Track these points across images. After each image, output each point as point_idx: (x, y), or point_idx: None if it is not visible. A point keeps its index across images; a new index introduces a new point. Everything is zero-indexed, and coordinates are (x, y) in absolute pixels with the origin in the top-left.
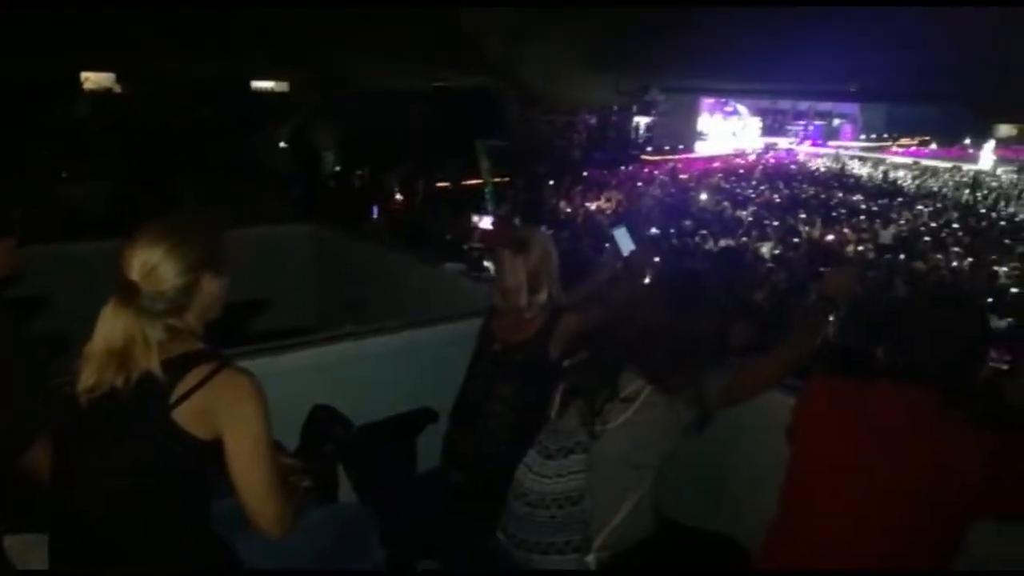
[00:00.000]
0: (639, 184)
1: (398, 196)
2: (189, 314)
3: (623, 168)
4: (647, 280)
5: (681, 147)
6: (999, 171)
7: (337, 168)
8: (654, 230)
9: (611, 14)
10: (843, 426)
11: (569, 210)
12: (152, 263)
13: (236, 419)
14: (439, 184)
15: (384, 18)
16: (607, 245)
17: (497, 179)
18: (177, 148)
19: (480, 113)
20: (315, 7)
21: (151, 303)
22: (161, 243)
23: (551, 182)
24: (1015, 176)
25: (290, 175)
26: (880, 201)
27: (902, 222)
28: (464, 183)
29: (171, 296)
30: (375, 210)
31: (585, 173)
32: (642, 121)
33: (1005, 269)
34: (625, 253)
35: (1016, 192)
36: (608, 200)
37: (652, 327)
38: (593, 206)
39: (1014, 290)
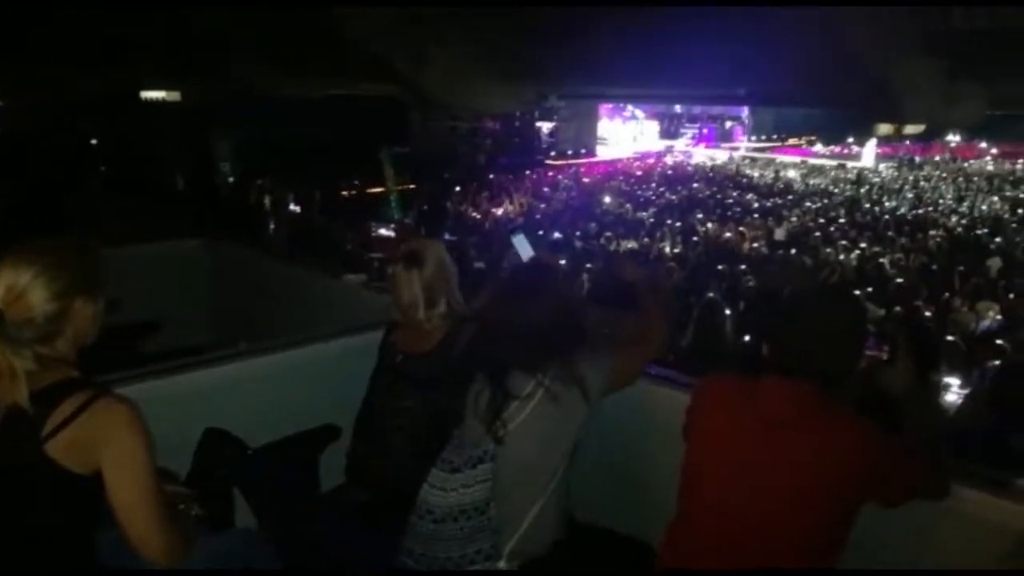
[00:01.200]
0: (544, 189)
1: (295, 207)
2: (60, 341)
3: (528, 173)
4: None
5: (584, 151)
6: (880, 167)
7: (233, 179)
8: (557, 234)
9: (509, 24)
10: (733, 422)
11: (477, 216)
12: (19, 289)
13: (114, 450)
14: (343, 192)
15: (282, 26)
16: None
17: (401, 186)
18: (63, 163)
19: (382, 120)
20: (207, 14)
21: (18, 331)
22: (29, 268)
23: (457, 188)
24: (895, 172)
25: (184, 188)
26: (772, 199)
27: (793, 219)
28: (369, 191)
29: (40, 323)
30: (272, 222)
31: (492, 177)
32: (545, 127)
33: (889, 260)
34: (525, 259)
35: (896, 187)
36: (515, 205)
37: (501, 324)
38: (500, 211)
39: (899, 280)
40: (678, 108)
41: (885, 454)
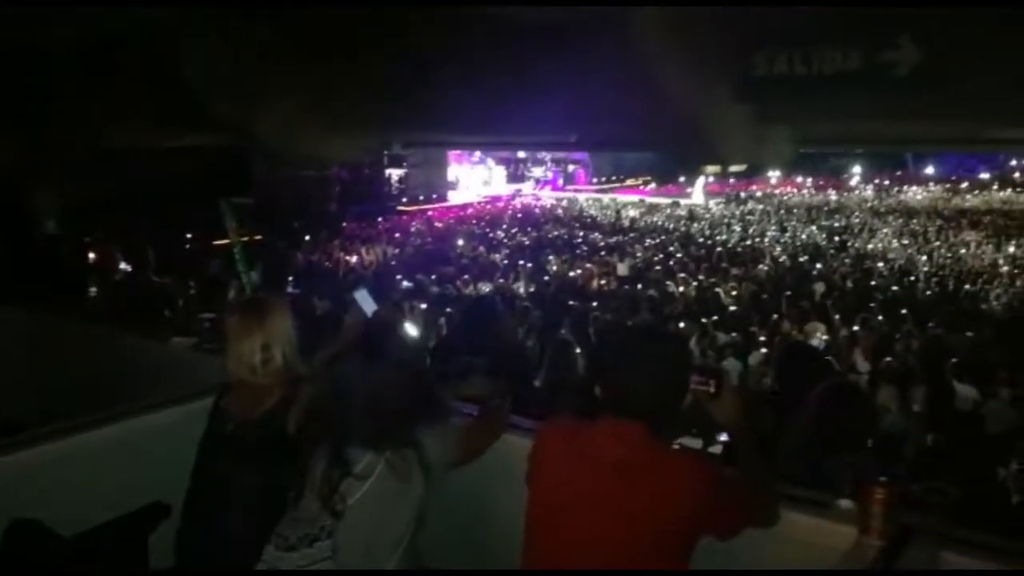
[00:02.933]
0: (398, 235)
1: (124, 265)
2: None
3: (381, 220)
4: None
5: (435, 197)
6: (711, 203)
7: (53, 238)
8: (407, 283)
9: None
10: (569, 466)
11: (329, 265)
12: None
13: None
14: (187, 245)
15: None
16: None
17: (246, 238)
18: None
19: (222, 171)
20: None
21: None
22: None
23: (307, 237)
24: (723, 207)
25: None
26: (616, 237)
27: (637, 255)
28: (212, 244)
29: None
30: (95, 283)
31: (344, 225)
32: (395, 173)
33: (723, 289)
34: (368, 313)
35: (725, 221)
36: (368, 253)
37: (343, 391)
38: (354, 259)
39: (733, 308)
40: (522, 154)
41: (715, 489)
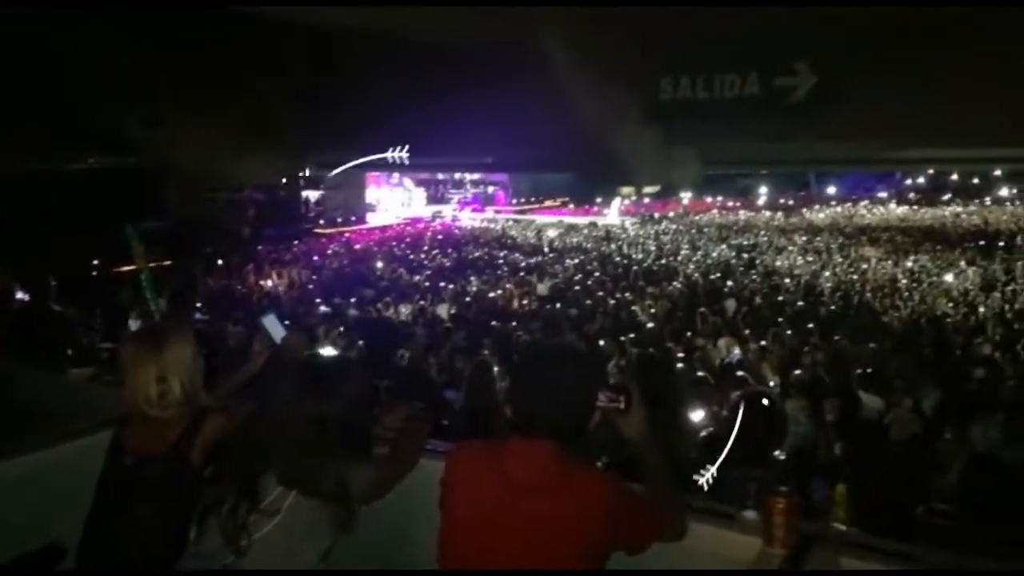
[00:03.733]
0: (315, 258)
1: (23, 294)
2: None
3: (297, 243)
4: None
5: (353, 219)
6: (627, 223)
7: None
8: (324, 308)
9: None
10: (481, 487)
11: (243, 289)
12: None
13: None
14: (93, 273)
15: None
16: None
17: (154, 263)
18: None
19: (127, 195)
20: None
21: None
22: None
23: (220, 261)
24: (639, 227)
25: None
26: (536, 257)
27: (557, 275)
28: (118, 270)
29: None
30: None
31: (259, 249)
32: (312, 195)
33: (640, 307)
34: (277, 340)
35: (640, 242)
36: (284, 276)
37: (278, 422)
38: (269, 284)
39: (650, 325)
40: (441, 175)
41: (624, 506)
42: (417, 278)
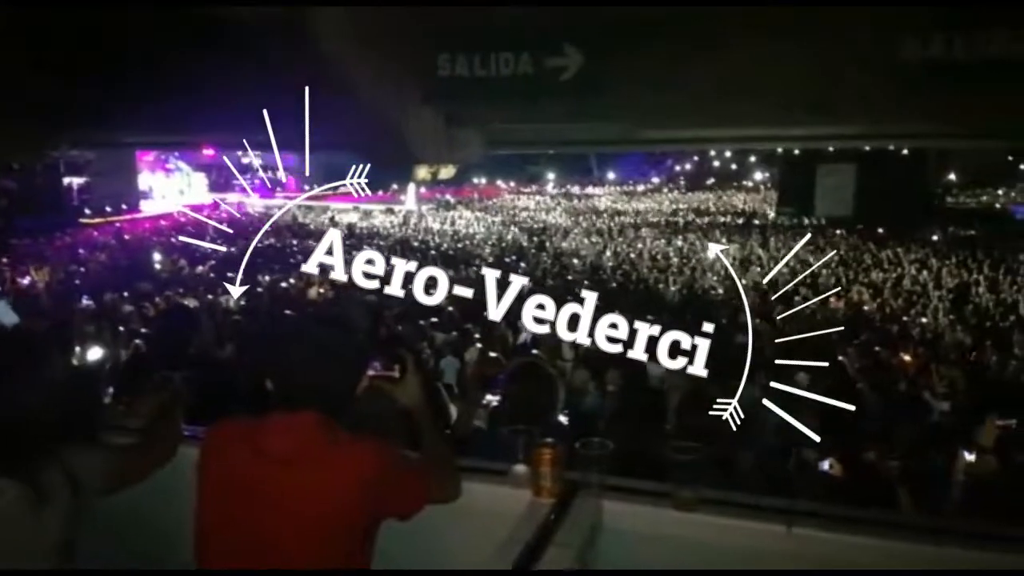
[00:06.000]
0: (80, 251)
1: None
2: None
3: (59, 235)
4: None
5: (125, 207)
6: (423, 209)
7: None
8: (87, 301)
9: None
10: (239, 463)
11: None
12: None
13: None
14: None
15: None
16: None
17: None
18: None
19: None
20: None
21: None
22: None
23: None
24: (435, 213)
25: None
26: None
27: None
28: None
29: None
30: None
31: (13, 243)
32: (76, 182)
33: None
34: (8, 325)
35: (437, 226)
36: (38, 272)
37: None
38: (26, 280)
39: (449, 309)
40: (227, 159)
41: (386, 472)
42: (201, 268)
